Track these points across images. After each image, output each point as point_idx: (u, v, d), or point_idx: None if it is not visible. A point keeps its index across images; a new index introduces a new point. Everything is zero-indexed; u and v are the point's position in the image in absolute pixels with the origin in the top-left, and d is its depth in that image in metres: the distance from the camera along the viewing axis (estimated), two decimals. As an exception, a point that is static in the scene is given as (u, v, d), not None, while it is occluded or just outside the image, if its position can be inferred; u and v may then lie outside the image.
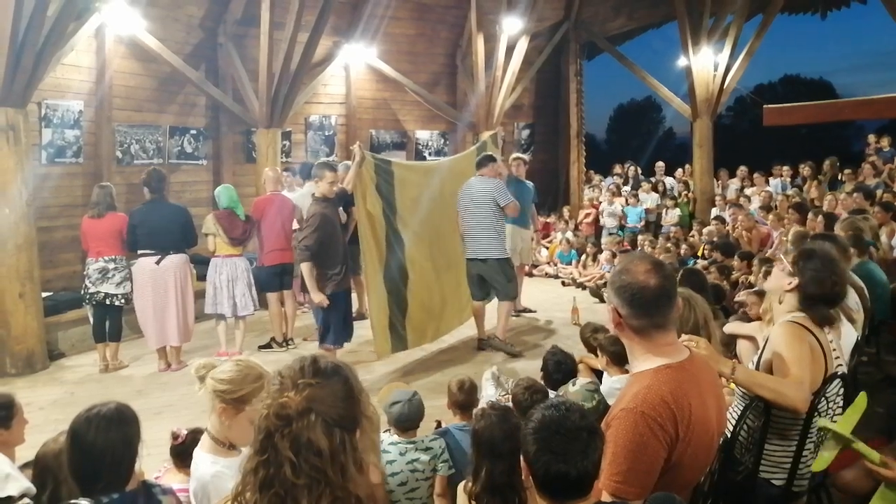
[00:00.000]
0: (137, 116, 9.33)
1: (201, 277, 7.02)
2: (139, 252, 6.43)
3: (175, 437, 2.98)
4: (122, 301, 6.54)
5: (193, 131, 10.11)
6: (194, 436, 3.01)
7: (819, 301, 2.78)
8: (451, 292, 7.07)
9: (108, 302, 6.48)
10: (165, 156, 9.63)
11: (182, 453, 3.03)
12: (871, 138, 12.78)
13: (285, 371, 1.46)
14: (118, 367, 6.68)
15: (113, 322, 6.60)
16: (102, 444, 2.10)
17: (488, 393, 4.56)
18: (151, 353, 6.74)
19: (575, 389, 3.87)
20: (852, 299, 3.95)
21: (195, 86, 9.60)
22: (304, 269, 5.62)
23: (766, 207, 9.63)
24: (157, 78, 9.47)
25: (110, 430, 2.12)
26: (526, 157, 9.19)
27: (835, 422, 2.61)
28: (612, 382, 3.76)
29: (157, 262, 6.38)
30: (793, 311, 2.80)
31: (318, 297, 5.61)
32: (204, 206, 6.97)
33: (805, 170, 11.79)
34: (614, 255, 10.08)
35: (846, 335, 3.28)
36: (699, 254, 9.44)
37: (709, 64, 12.11)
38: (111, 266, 6.44)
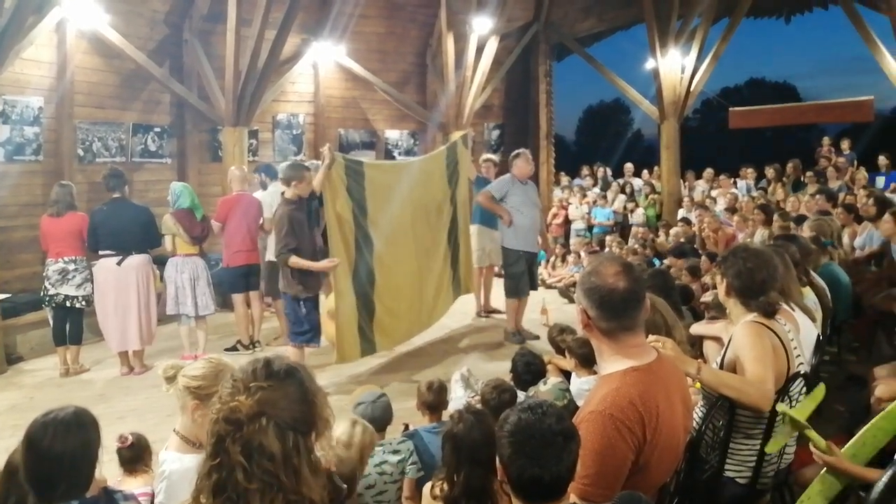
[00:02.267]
0: (100, 113, 9.13)
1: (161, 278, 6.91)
2: (100, 253, 6.29)
3: (123, 440, 2.94)
4: (83, 303, 6.39)
5: (157, 129, 9.92)
6: (140, 440, 2.96)
7: (748, 293, 2.82)
8: (420, 295, 7.04)
9: (68, 304, 6.33)
10: (128, 154, 9.44)
11: (130, 459, 2.98)
12: (826, 141, 13.11)
13: (238, 374, 1.45)
14: (79, 370, 6.53)
15: (73, 325, 6.45)
16: (60, 450, 2.04)
17: (458, 394, 4.55)
18: (113, 357, 6.60)
19: (547, 388, 3.89)
20: (810, 299, 4.03)
21: (159, 82, 9.43)
22: (293, 261, 5.53)
23: (732, 209, 9.78)
24: (121, 74, 9.28)
25: (68, 436, 2.07)
26: (496, 157, 9.22)
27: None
28: (580, 383, 3.78)
29: (119, 263, 6.25)
30: (744, 313, 2.84)
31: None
32: (168, 206, 6.83)
33: (770, 172, 12.02)
34: (580, 257, 10.16)
35: (807, 332, 3.34)
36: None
37: (676, 66, 12.26)
38: (71, 267, 6.30)
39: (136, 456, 3.01)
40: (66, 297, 6.31)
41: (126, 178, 6.58)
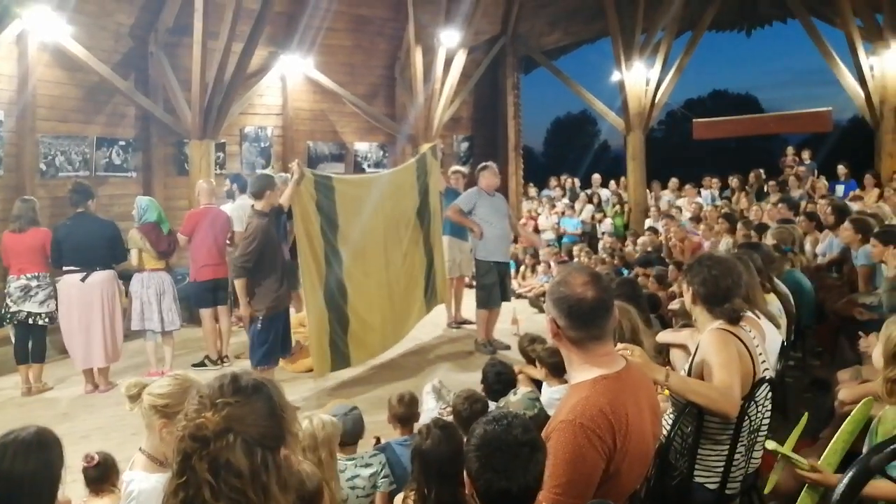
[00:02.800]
0: (63, 127, 8.98)
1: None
2: (64, 269, 6.17)
3: (89, 460, 2.87)
4: (47, 320, 6.25)
5: (122, 142, 9.79)
6: (107, 460, 2.90)
7: (713, 300, 2.86)
8: (393, 307, 7.01)
9: (31, 321, 6.18)
10: (92, 168, 9.30)
11: (96, 479, 2.92)
12: (790, 150, 13.43)
13: (204, 390, 1.43)
14: (42, 389, 6.36)
15: (36, 342, 6.29)
16: (21, 472, 2.00)
17: (429, 406, 4.54)
18: (78, 375, 6.45)
19: (516, 399, 3.90)
20: (775, 305, 4.11)
21: (124, 95, 9.31)
22: (238, 284, 5.49)
23: (696, 218, 9.94)
24: (84, 87, 9.15)
25: (29, 457, 2.03)
26: (464, 169, 9.26)
27: (767, 432, 2.73)
28: (551, 393, 3.79)
29: (83, 280, 6.13)
30: (710, 321, 2.89)
31: (246, 312, 5.52)
32: (133, 221, 6.73)
33: (733, 181, 12.27)
34: (550, 267, 10.25)
35: (772, 339, 3.40)
36: (634, 264, 9.64)
37: (641, 79, 12.49)
38: (34, 284, 6.16)
39: (102, 475, 2.94)
40: (29, 314, 6.16)
41: (91, 192, 6.46)
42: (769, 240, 6.24)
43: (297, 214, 5.85)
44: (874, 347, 2.69)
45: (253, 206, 5.77)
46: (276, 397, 1.46)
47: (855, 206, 8.13)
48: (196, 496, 1.34)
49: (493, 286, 7.22)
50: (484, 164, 7.54)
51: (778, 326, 3.72)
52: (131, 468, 2.42)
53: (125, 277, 6.78)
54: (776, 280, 4.69)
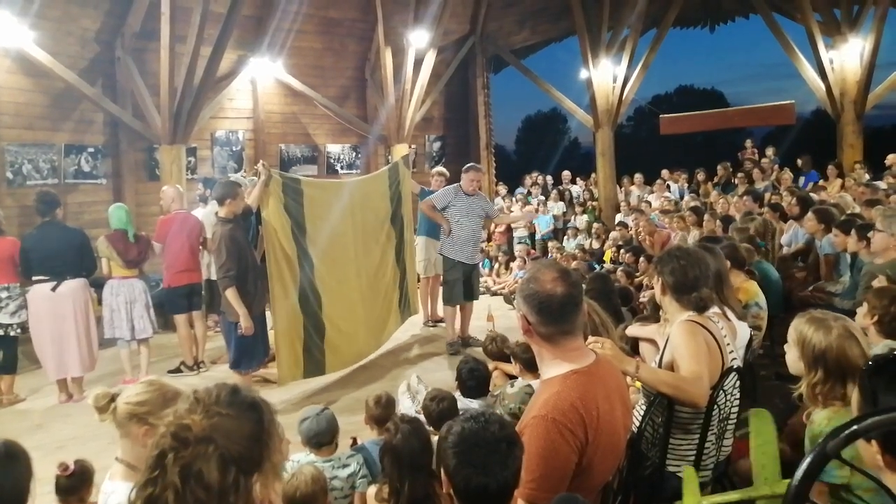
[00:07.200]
0: (29, 135, 8.84)
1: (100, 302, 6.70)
2: (34, 278, 6.09)
3: (64, 468, 2.76)
4: (18, 331, 6.16)
5: (91, 149, 9.66)
6: (83, 467, 2.84)
7: (681, 289, 2.92)
8: (368, 316, 6.96)
9: (1, 332, 6.09)
10: (61, 175, 9.16)
11: (67, 489, 2.83)
12: (748, 143, 13.68)
13: (201, 393, 1.41)
14: (14, 401, 6.28)
15: (7, 353, 6.20)
16: None
17: (405, 405, 4.56)
18: (51, 385, 6.37)
19: (514, 391, 3.88)
20: (762, 300, 4.21)
21: (92, 102, 9.19)
22: (230, 294, 5.41)
23: (665, 211, 10.08)
24: (50, 94, 9.02)
25: None
26: (446, 171, 9.26)
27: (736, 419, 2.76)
28: (526, 388, 3.83)
29: (53, 289, 6.06)
30: (679, 312, 2.96)
31: (248, 324, 5.44)
32: (105, 228, 6.65)
33: (700, 175, 12.48)
34: (525, 262, 10.34)
35: (741, 336, 3.50)
36: (606, 258, 9.75)
37: (608, 76, 12.64)
38: (4, 294, 6.07)
39: (74, 486, 2.84)
40: (0, 325, 6.08)
41: (58, 201, 6.37)
42: (752, 230, 6.34)
43: (266, 216, 5.79)
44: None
45: (217, 213, 5.73)
46: (268, 423, 1.43)
47: (818, 197, 8.32)
48: (160, 497, 1.31)
49: (456, 282, 7.23)
50: (471, 164, 7.57)
51: (742, 318, 3.80)
52: (111, 479, 2.36)
53: (98, 285, 6.71)
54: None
